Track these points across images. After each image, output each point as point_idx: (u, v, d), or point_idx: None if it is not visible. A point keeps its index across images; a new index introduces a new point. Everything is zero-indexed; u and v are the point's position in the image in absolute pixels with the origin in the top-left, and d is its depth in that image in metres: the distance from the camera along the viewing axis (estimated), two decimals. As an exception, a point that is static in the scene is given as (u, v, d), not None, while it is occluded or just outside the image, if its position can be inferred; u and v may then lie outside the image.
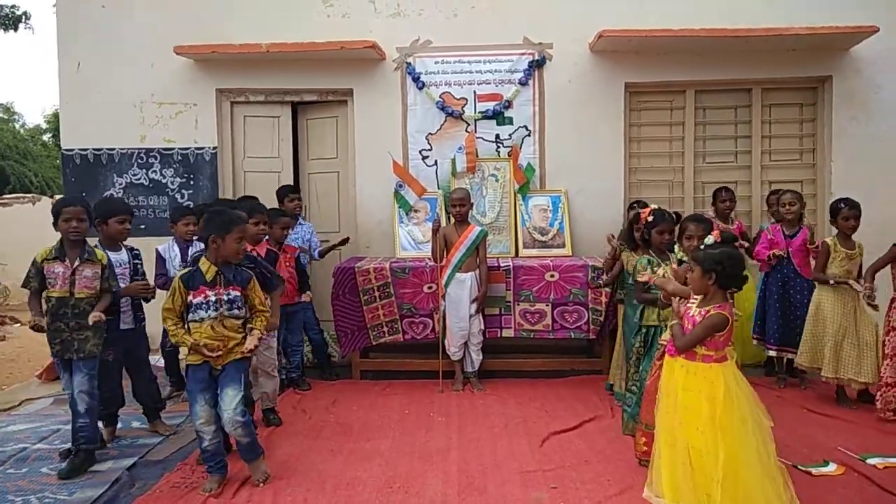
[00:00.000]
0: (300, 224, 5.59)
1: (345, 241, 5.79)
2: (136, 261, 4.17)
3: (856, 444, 3.77)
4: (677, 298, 3.11)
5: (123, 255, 4.09)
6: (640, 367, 3.84)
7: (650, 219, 3.99)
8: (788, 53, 5.85)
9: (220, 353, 3.35)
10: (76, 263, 3.65)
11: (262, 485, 3.40)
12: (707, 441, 2.77)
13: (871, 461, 3.52)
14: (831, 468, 3.45)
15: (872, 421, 4.18)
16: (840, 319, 4.43)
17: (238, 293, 3.42)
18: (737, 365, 2.96)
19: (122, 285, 3.99)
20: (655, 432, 3.05)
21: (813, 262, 4.72)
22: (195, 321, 3.35)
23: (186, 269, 3.45)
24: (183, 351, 3.82)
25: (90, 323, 3.59)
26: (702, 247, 2.96)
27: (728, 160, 6.15)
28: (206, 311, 3.34)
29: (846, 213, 4.49)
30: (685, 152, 6.12)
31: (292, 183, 6.20)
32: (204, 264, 3.40)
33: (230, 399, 3.34)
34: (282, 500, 3.22)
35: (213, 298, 3.35)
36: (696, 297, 3.03)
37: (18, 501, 3.26)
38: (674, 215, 4.04)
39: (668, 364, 3.05)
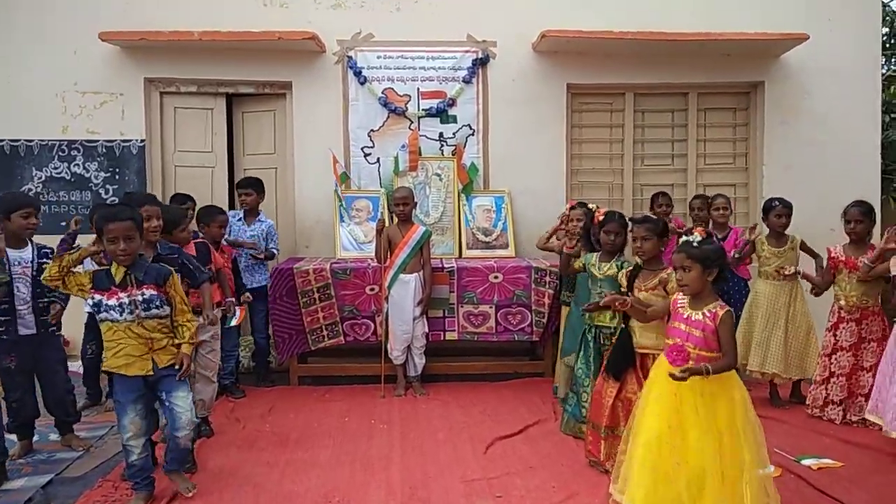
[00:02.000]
0: (259, 221, 5.36)
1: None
2: (43, 260, 3.77)
3: (790, 445, 3.85)
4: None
5: (27, 254, 3.76)
6: (576, 367, 3.84)
7: (601, 218, 3.99)
8: (723, 59, 5.98)
9: (142, 352, 3.13)
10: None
11: (191, 494, 3.22)
12: (729, 443, 2.72)
13: (805, 462, 3.60)
14: (769, 470, 3.50)
15: (803, 421, 4.29)
16: (769, 315, 4.52)
17: (154, 292, 3.16)
18: None
19: (21, 287, 3.68)
20: (632, 435, 2.92)
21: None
22: (109, 321, 3.10)
23: (99, 269, 3.19)
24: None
25: None
26: (694, 244, 2.86)
27: (665, 163, 6.25)
28: (121, 315, 3.09)
29: (779, 211, 4.60)
30: (624, 154, 6.18)
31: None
32: (113, 265, 3.13)
33: (183, 400, 3.17)
34: (213, 519, 3.04)
35: (126, 300, 3.09)
36: (682, 298, 2.97)
37: (-85, 529, 2.97)
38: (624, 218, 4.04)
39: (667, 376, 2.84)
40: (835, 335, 4.21)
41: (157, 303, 3.17)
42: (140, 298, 3.12)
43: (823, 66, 5.99)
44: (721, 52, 5.93)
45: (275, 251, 5.39)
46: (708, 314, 2.83)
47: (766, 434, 3.92)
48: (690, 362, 2.76)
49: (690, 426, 2.74)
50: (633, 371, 3.39)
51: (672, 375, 2.71)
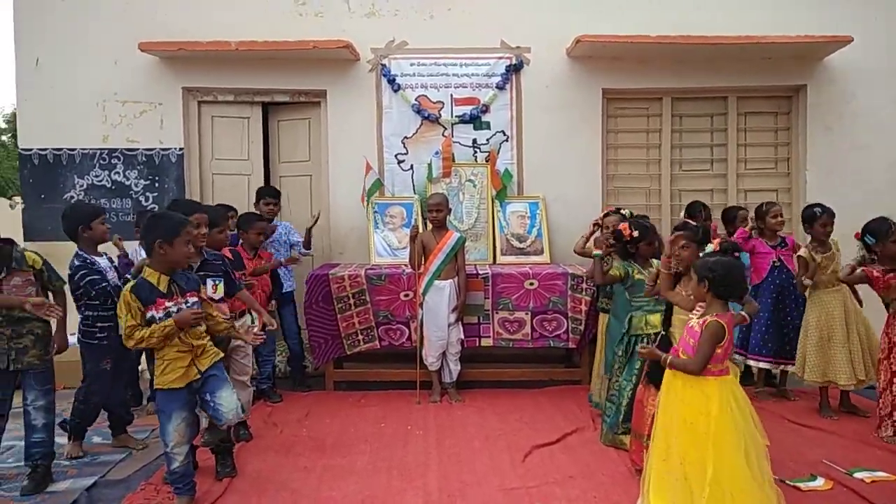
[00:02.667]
0: (279, 224, 5.41)
1: (316, 219, 5.61)
2: (114, 265, 4.04)
3: (840, 457, 3.73)
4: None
5: (106, 261, 3.95)
6: (622, 377, 3.77)
7: (635, 234, 3.93)
8: (763, 62, 5.86)
9: (188, 362, 3.14)
10: (2, 274, 3.43)
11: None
12: (699, 455, 2.72)
13: (858, 475, 3.47)
14: (819, 483, 3.40)
15: (855, 433, 4.14)
16: (843, 324, 4.39)
17: (196, 298, 3.22)
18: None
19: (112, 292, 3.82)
20: (650, 446, 2.97)
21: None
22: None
23: (133, 283, 3.15)
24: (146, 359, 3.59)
25: (28, 307, 3.31)
26: (701, 255, 2.91)
27: (704, 168, 6.14)
28: None
29: (824, 220, 4.48)
30: (662, 160, 6.09)
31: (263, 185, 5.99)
32: (152, 276, 3.12)
33: (228, 400, 3.18)
34: (253, 524, 3.05)
35: (173, 310, 3.11)
36: (698, 308, 2.97)
37: (-36, 528, 3.03)
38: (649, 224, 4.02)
39: (668, 378, 2.96)
40: (888, 334, 4.06)
41: (199, 309, 3.20)
42: (185, 306, 3.14)
43: (868, 69, 5.83)
44: (762, 56, 5.82)
45: (302, 245, 5.46)
46: (701, 322, 2.83)
47: (814, 446, 3.88)
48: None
49: (677, 432, 2.80)
50: None
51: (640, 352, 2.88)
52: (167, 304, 3.10)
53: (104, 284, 3.76)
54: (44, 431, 3.50)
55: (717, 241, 2.99)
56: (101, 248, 4.01)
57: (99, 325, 3.82)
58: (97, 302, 3.78)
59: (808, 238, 4.65)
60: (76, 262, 3.77)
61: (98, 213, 3.98)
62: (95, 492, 3.41)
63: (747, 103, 6.10)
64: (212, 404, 3.19)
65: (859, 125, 5.89)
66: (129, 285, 3.12)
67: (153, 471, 3.66)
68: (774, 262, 4.83)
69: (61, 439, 3.88)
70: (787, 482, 3.35)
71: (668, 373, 2.96)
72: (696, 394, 2.79)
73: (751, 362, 4.90)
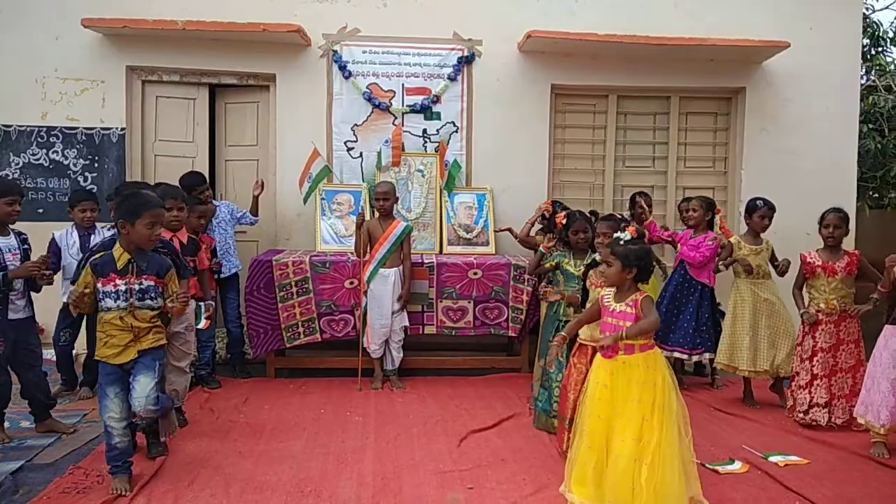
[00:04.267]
0: (217, 205, 5.32)
1: (262, 186, 5.55)
2: (26, 246, 3.84)
3: (759, 443, 3.92)
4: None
5: (12, 241, 3.76)
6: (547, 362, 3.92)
7: (564, 221, 4.12)
8: (706, 64, 6.05)
9: (128, 340, 3.16)
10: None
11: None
12: (648, 428, 2.83)
13: (772, 459, 3.66)
14: (736, 466, 3.57)
15: (775, 420, 4.35)
16: (753, 315, 4.59)
17: (153, 283, 3.21)
18: None
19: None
20: (577, 433, 3.04)
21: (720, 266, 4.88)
22: (103, 310, 3.15)
23: (101, 254, 3.21)
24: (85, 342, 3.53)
25: None
26: (620, 242, 3.00)
27: (646, 165, 6.32)
28: (115, 301, 3.14)
29: (763, 212, 4.69)
30: (606, 155, 6.24)
31: (208, 170, 5.90)
32: (117, 251, 3.18)
33: (142, 387, 3.15)
34: (183, 506, 3.03)
35: (122, 288, 3.13)
36: (607, 292, 3.10)
37: None
38: (589, 215, 4.15)
39: (606, 367, 3.00)
40: (814, 337, 4.26)
41: (153, 294, 3.22)
42: (137, 287, 3.16)
43: (804, 74, 6.09)
44: (704, 58, 6.01)
45: (249, 212, 5.46)
46: (630, 303, 2.98)
47: (736, 432, 4.06)
48: (620, 353, 2.94)
49: (626, 415, 2.88)
50: (574, 361, 3.53)
51: (601, 347, 2.96)
52: (118, 281, 3.13)
53: None
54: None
55: (631, 227, 3.12)
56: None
57: None
58: None
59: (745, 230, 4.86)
60: None
61: (6, 192, 3.72)
62: (21, 476, 3.32)
63: (689, 103, 6.30)
64: (131, 384, 3.18)
65: (792, 129, 6.15)
66: (95, 256, 3.19)
67: (83, 455, 3.60)
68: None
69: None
70: (706, 465, 3.51)
71: (604, 363, 3.00)
72: (640, 371, 2.90)
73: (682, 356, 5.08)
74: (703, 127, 6.35)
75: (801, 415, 4.25)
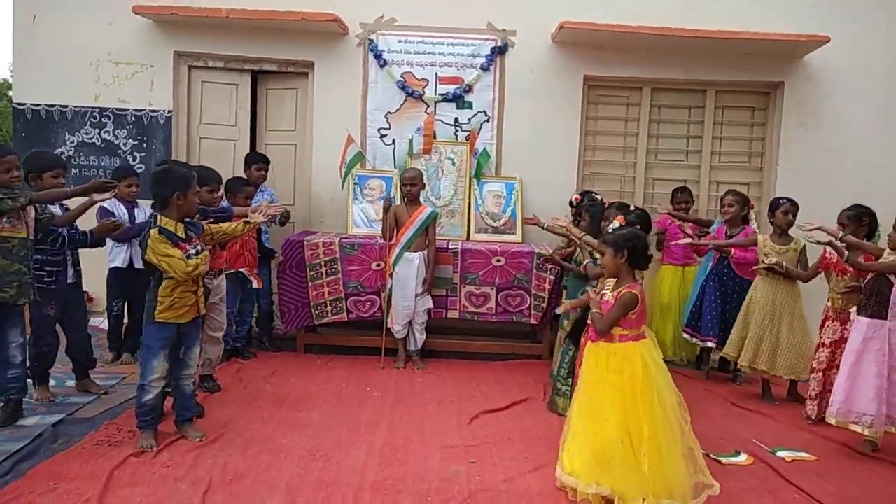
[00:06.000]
0: (261, 191, 5.56)
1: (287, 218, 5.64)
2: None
3: (770, 438, 3.93)
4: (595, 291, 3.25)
5: (57, 209, 4.05)
6: (563, 348, 3.99)
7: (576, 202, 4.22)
8: (744, 57, 5.97)
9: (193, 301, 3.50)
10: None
11: (199, 441, 3.51)
12: (634, 417, 2.90)
13: (780, 454, 3.67)
14: (741, 458, 3.60)
15: (791, 418, 4.34)
16: (765, 313, 4.58)
17: (202, 244, 3.53)
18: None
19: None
20: (569, 415, 3.15)
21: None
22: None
23: (156, 227, 3.41)
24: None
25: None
26: (610, 230, 3.09)
27: (679, 158, 6.28)
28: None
29: (785, 208, 4.65)
30: (638, 148, 6.23)
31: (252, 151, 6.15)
32: (169, 224, 3.40)
33: (195, 356, 3.63)
34: (202, 464, 3.25)
35: (193, 252, 3.42)
36: (608, 284, 3.15)
37: (-65, 453, 3.24)
38: (602, 202, 4.21)
39: (591, 350, 3.15)
40: (820, 333, 4.25)
41: (205, 252, 3.52)
42: (200, 248, 3.48)
43: (845, 70, 5.95)
44: (742, 51, 5.92)
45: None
46: (615, 294, 3.04)
47: (749, 426, 4.08)
48: (602, 339, 3.06)
49: (606, 400, 2.97)
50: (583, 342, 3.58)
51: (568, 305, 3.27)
52: (187, 247, 3.42)
53: (56, 229, 3.89)
54: (20, 368, 3.70)
55: (620, 217, 3.18)
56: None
57: (47, 269, 3.93)
58: (46, 245, 3.87)
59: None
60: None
61: (53, 166, 3.96)
62: (61, 428, 3.62)
63: (725, 97, 6.22)
64: (181, 356, 3.54)
65: (831, 126, 6.02)
66: (154, 230, 3.36)
67: (118, 413, 3.88)
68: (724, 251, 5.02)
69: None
70: (711, 455, 3.55)
71: (589, 347, 3.14)
72: (619, 360, 2.99)
73: (697, 342, 5.11)
74: (739, 121, 6.27)
75: (810, 423, 4.26)
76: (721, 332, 4.98)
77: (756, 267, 4.67)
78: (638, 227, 3.31)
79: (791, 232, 4.72)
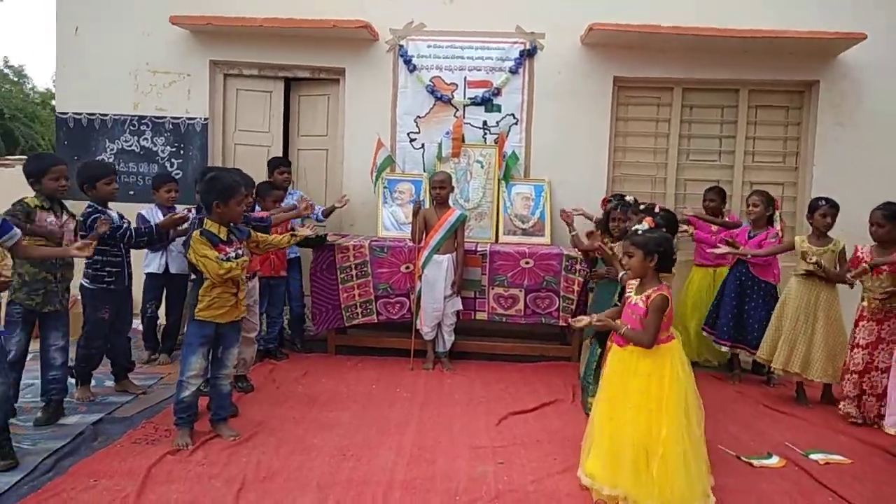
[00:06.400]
0: (290, 193, 5.68)
1: (345, 202, 5.82)
2: (123, 221, 4.30)
3: (804, 441, 3.87)
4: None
5: (114, 216, 4.21)
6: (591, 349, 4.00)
7: (607, 208, 4.20)
8: (777, 56, 5.88)
9: (234, 302, 3.61)
10: (64, 217, 3.77)
11: (234, 439, 3.60)
12: (655, 420, 2.89)
13: (813, 457, 3.62)
14: (773, 461, 3.55)
15: (825, 420, 4.26)
16: (799, 315, 4.51)
17: (244, 249, 3.67)
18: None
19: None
20: (591, 418, 3.14)
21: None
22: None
23: (199, 230, 3.57)
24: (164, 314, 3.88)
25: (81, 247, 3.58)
26: (638, 231, 3.06)
27: (712, 159, 6.21)
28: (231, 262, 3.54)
29: (824, 210, 4.56)
30: (669, 149, 6.18)
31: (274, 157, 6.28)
32: (212, 226, 3.55)
33: (232, 357, 3.76)
34: (236, 462, 3.34)
35: (233, 254, 3.55)
36: (631, 285, 3.13)
37: (-17, 449, 3.38)
38: (640, 205, 4.18)
39: (617, 354, 3.12)
40: (855, 331, 4.17)
41: (245, 257, 3.63)
42: (241, 251, 3.61)
43: (881, 67, 5.82)
44: (775, 50, 5.83)
45: (321, 213, 5.77)
46: (644, 298, 3.00)
47: (782, 429, 4.02)
48: (630, 343, 3.00)
49: (629, 404, 2.94)
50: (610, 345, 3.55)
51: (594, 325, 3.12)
52: (227, 249, 3.55)
53: (120, 224, 4.07)
54: (60, 369, 3.85)
55: (649, 219, 3.16)
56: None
57: (108, 269, 4.10)
58: (108, 246, 4.04)
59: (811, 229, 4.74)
60: (87, 209, 4.06)
61: (106, 174, 4.15)
62: (101, 426, 3.75)
63: (759, 97, 6.13)
64: (219, 356, 3.69)
65: (869, 124, 5.89)
66: (197, 231, 3.54)
67: (156, 412, 4.01)
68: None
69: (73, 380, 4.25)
70: (742, 458, 3.51)
71: (616, 350, 3.12)
72: (647, 363, 2.97)
73: (723, 348, 5.06)
74: (773, 121, 6.17)
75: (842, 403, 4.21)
76: (736, 334, 4.95)
77: (796, 269, 4.60)
78: (664, 229, 3.29)
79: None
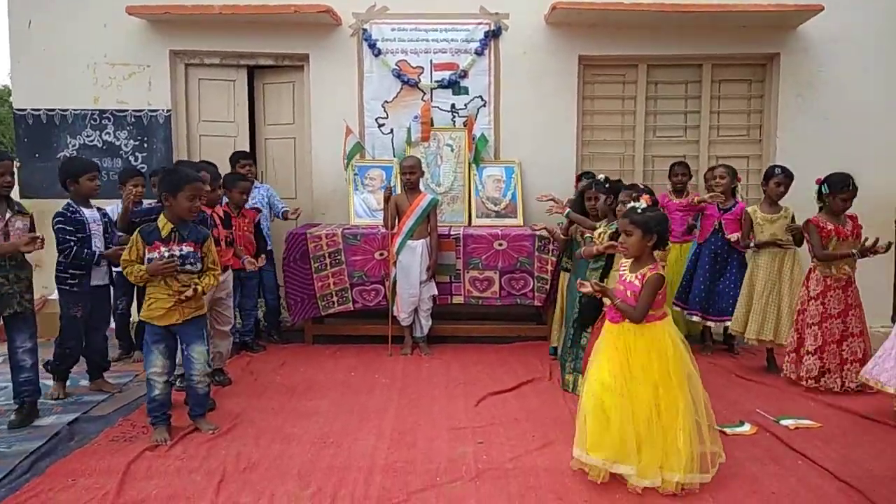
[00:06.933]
0: (256, 187, 5.61)
1: (297, 214, 5.78)
2: (106, 219, 4.26)
3: (775, 408, 3.97)
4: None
5: (96, 213, 4.18)
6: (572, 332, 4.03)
7: (579, 186, 4.23)
8: (738, 30, 5.95)
9: (171, 304, 3.47)
10: (7, 216, 3.68)
11: (211, 433, 3.58)
12: (666, 394, 2.93)
13: (784, 422, 3.72)
14: (745, 428, 3.65)
15: (795, 387, 4.36)
16: (766, 283, 4.62)
17: (192, 249, 3.53)
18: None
19: (95, 242, 4.12)
20: (583, 395, 3.16)
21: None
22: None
23: (144, 225, 3.55)
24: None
25: (27, 242, 3.56)
26: (638, 210, 3.07)
27: (678, 134, 6.28)
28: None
29: (778, 179, 4.66)
30: (636, 126, 6.23)
31: (248, 148, 6.20)
32: (161, 221, 3.51)
33: (199, 355, 3.61)
34: (215, 454, 3.33)
35: (166, 254, 3.46)
36: (624, 264, 3.17)
37: (-44, 454, 3.34)
38: (608, 183, 4.21)
39: (612, 330, 3.13)
40: (823, 303, 4.25)
41: (192, 259, 3.53)
42: (178, 253, 3.48)
43: (839, 37, 5.92)
44: (736, 24, 5.90)
45: (286, 208, 5.71)
46: (639, 276, 3.03)
47: (753, 397, 4.13)
48: (625, 320, 3.03)
49: (629, 377, 2.97)
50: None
51: (592, 286, 3.10)
52: (162, 248, 3.47)
53: (71, 238, 3.96)
54: (31, 371, 3.79)
55: (646, 196, 3.17)
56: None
57: (70, 271, 4.05)
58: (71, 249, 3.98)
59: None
60: (58, 211, 4.02)
61: (88, 169, 4.15)
62: (77, 426, 3.71)
63: (722, 71, 6.21)
64: (185, 354, 3.61)
65: (828, 95, 6.00)
66: (140, 227, 3.52)
67: (132, 409, 3.97)
68: (716, 224, 5.05)
69: (48, 381, 4.19)
70: (716, 427, 3.58)
71: (611, 327, 3.13)
72: (646, 340, 3.00)
73: (694, 318, 5.15)
74: (736, 94, 6.26)
75: (811, 381, 4.26)
76: (707, 305, 5.04)
77: (745, 243, 4.70)
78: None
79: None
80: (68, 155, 6.04)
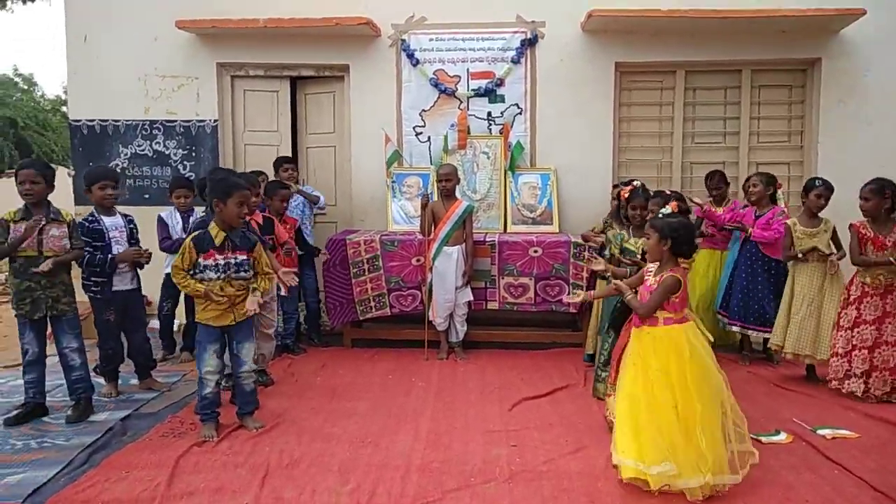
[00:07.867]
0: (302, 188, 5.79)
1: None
2: (131, 226, 4.44)
3: (812, 417, 3.93)
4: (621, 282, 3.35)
5: (119, 220, 4.35)
6: (603, 335, 4.06)
7: (627, 195, 4.25)
8: (778, 35, 5.90)
9: (225, 307, 3.64)
10: (43, 223, 3.82)
11: (257, 430, 3.72)
12: (684, 398, 2.96)
13: (821, 432, 3.68)
14: (781, 437, 3.63)
15: (834, 397, 4.31)
16: (805, 297, 4.56)
17: (245, 257, 3.70)
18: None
19: (117, 249, 4.28)
20: (616, 399, 3.23)
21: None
22: (205, 280, 3.61)
23: (197, 232, 3.69)
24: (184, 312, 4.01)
25: (43, 270, 3.70)
26: (660, 215, 3.13)
27: (716, 141, 6.25)
28: (216, 273, 3.62)
29: (819, 191, 4.60)
30: (674, 132, 6.22)
31: (292, 155, 6.40)
32: (213, 229, 3.65)
33: (247, 352, 3.79)
34: (260, 451, 3.47)
35: (221, 262, 3.62)
36: (651, 268, 3.22)
37: (19, 444, 3.57)
38: (650, 193, 4.23)
39: (636, 335, 3.22)
40: (858, 309, 4.21)
41: (246, 266, 3.70)
42: (234, 261, 3.65)
43: (882, 41, 5.82)
44: (776, 29, 5.86)
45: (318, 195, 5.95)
46: (658, 279, 3.09)
47: (791, 406, 4.10)
48: (646, 324, 3.11)
49: (652, 382, 3.02)
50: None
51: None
52: (216, 256, 3.63)
53: (87, 249, 4.11)
54: (81, 369, 4.00)
55: (674, 203, 3.22)
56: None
57: (93, 279, 4.24)
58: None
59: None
60: (80, 220, 4.21)
61: (98, 178, 4.24)
62: (129, 422, 3.90)
63: (761, 76, 6.15)
64: (234, 352, 3.78)
65: (872, 99, 5.90)
66: (193, 234, 3.65)
67: (181, 407, 4.15)
68: (749, 230, 5.01)
69: (100, 380, 4.44)
70: (751, 435, 3.58)
71: (634, 332, 3.21)
72: (665, 344, 3.05)
73: (734, 328, 5.13)
74: (776, 100, 6.20)
75: (835, 383, 4.24)
76: (748, 314, 5.00)
77: (789, 254, 4.64)
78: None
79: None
80: (120, 164, 6.33)
